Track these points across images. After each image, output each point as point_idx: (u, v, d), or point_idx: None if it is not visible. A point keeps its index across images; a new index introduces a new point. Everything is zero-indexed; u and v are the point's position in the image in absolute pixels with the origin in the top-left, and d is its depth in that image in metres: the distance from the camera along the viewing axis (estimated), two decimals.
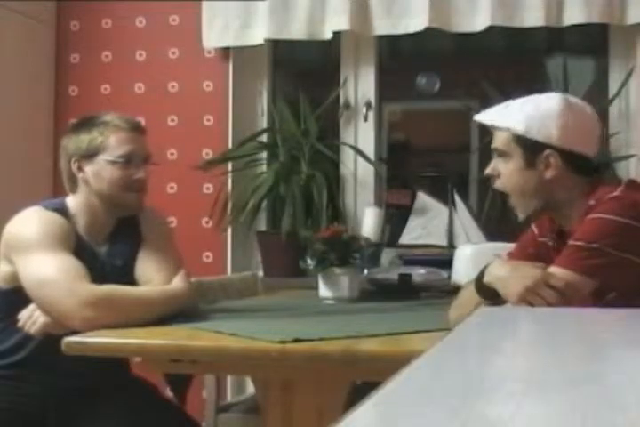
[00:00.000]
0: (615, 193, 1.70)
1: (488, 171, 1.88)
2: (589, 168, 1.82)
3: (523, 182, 1.82)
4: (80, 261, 1.84)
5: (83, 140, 1.97)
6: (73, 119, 3.46)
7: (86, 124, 2.00)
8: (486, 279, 1.72)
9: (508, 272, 1.69)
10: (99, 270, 1.90)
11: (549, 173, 1.79)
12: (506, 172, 1.84)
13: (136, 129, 2.01)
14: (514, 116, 1.81)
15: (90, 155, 1.96)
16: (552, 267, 1.67)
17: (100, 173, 1.96)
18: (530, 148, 1.79)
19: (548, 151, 1.78)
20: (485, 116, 1.88)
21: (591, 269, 1.64)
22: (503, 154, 1.84)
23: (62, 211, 1.95)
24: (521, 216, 1.87)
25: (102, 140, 1.95)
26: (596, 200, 1.71)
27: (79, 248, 1.91)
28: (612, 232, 1.65)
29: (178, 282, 1.95)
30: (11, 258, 1.88)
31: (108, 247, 2.01)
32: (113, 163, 1.95)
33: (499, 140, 1.85)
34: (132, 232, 2.04)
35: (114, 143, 1.96)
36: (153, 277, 1.95)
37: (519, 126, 1.79)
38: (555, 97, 1.82)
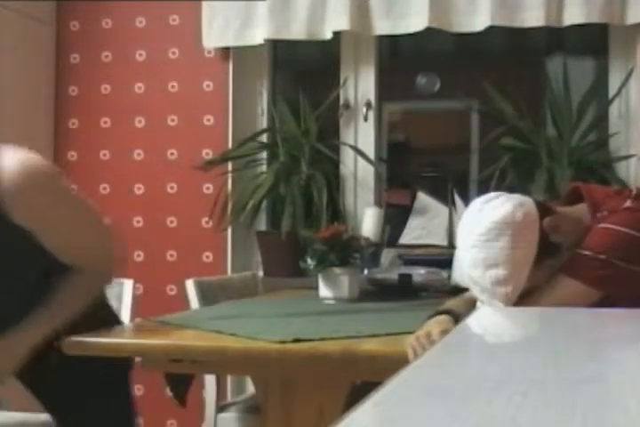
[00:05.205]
0: (627, 204, 1.68)
1: None
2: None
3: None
4: None
5: None
6: (73, 119, 3.49)
7: None
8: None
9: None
10: None
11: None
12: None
13: None
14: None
15: None
16: (559, 274, 1.66)
17: None
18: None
19: None
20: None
21: (598, 280, 1.63)
22: None
23: None
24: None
25: None
26: (609, 211, 1.69)
27: None
28: (621, 244, 1.64)
29: None
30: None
31: None
32: None
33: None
34: None
35: None
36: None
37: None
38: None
